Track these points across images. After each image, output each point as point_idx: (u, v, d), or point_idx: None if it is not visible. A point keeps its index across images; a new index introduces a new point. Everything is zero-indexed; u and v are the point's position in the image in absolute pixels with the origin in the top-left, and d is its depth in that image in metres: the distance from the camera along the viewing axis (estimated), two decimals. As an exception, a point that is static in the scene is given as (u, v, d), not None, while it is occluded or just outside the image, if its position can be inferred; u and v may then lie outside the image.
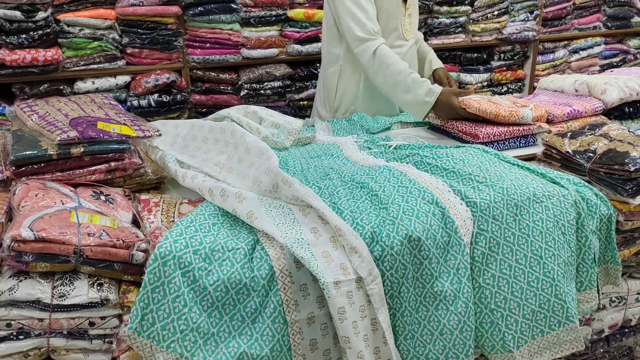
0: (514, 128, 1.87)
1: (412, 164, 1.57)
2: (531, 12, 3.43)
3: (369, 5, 2.04)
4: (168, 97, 2.67)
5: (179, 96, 2.70)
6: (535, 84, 3.65)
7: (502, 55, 3.50)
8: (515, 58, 3.55)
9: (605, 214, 1.49)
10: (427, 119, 2.01)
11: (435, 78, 2.32)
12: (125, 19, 2.55)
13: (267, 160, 1.32)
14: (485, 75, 3.48)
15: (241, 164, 1.39)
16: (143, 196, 1.38)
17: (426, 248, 1.26)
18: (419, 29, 3.22)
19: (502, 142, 1.88)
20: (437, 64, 2.35)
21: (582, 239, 1.43)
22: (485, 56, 3.46)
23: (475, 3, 3.25)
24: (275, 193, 1.27)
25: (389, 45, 2.08)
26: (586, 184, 1.55)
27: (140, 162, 1.41)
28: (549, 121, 1.97)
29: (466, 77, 3.44)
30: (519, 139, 1.91)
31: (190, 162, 1.47)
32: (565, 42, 3.67)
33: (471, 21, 3.31)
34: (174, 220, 1.28)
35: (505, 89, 3.60)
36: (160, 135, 1.49)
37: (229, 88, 2.88)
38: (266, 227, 1.18)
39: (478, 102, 1.87)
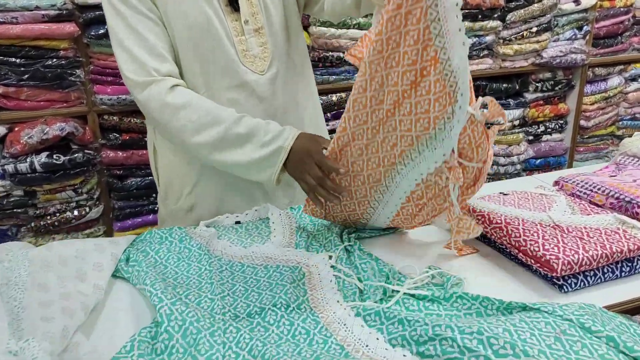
0: (614, 249, 1.11)
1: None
2: (579, 29, 2.70)
3: (149, 34, 1.28)
4: (63, 157, 1.91)
5: (79, 155, 1.93)
6: (582, 122, 2.92)
7: (540, 84, 2.76)
8: (556, 88, 2.82)
9: None
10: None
11: None
12: (-8, 43, 1.80)
13: None
14: (517, 112, 2.76)
15: None
16: None
17: None
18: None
19: (593, 272, 1.12)
20: None
21: None
22: (517, 86, 2.73)
23: (508, 17, 2.50)
24: None
25: (220, 97, 1.34)
26: None
27: None
28: (665, 228, 1.21)
29: (492, 115, 2.68)
30: (618, 266, 1.15)
31: None
32: (621, 66, 2.96)
33: (501, 41, 2.57)
34: None
35: (542, 128, 2.86)
36: None
37: (159, 139, 2.11)
38: None
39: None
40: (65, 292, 0.96)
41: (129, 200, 2.17)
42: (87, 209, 2.05)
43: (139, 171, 2.13)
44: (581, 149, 3.04)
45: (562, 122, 2.93)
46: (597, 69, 2.89)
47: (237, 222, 1.43)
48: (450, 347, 0.82)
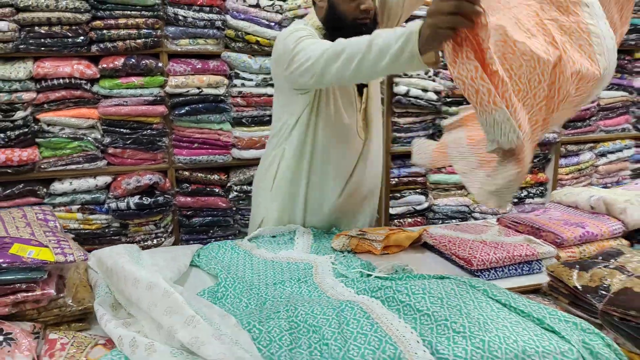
0: (515, 254, 1.65)
1: (382, 300, 1.36)
2: (550, 113, 3.26)
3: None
4: (149, 200, 2.55)
5: (161, 198, 2.58)
6: (558, 188, 3.42)
7: (521, 157, 3.31)
8: (535, 160, 3.35)
9: (620, 372, 1.22)
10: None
11: None
12: (108, 118, 2.50)
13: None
14: (502, 179, 3.27)
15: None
16: (52, 334, 1.20)
17: None
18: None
19: (501, 269, 1.65)
20: None
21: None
22: (502, 158, 3.27)
23: (488, 104, 3.10)
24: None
25: (337, 139, 1.90)
26: (597, 331, 1.29)
27: (55, 293, 1.24)
28: (557, 244, 1.74)
29: (481, 181, 3.23)
30: (521, 266, 1.68)
31: (120, 297, 1.30)
32: (591, 144, 3.47)
33: (484, 122, 3.15)
34: (74, 372, 1.08)
35: (525, 193, 3.38)
36: (85, 259, 1.32)
37: (218, 190, 2.75)
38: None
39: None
40: (168, 265, 1.57)
41: (192, 234, 2.79)
42: (163, 239, 2.68)
43: (202, 212, 2.75)
44: (560, 212, 3.51)
45: (542, 188, 3.43)
46: (569, 145, 3.41)
47: (273, 237, 2.02)
48: (388, 290, 1.37)
